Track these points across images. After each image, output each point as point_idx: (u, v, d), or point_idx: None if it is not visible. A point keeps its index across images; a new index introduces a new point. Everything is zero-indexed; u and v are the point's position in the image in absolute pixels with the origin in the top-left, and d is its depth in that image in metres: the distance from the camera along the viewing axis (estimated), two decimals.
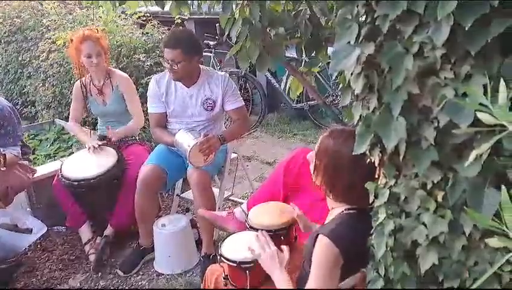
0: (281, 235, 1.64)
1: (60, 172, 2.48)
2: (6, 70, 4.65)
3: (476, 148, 0.74)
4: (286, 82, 4.42)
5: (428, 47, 0.82)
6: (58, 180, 2.48)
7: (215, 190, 2.60)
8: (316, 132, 4.35)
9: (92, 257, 2.50)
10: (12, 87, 4.62)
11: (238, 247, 1.56)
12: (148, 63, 3.36)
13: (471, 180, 0.83)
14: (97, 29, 2.81)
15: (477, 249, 0.89)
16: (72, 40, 2.65)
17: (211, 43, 4.72)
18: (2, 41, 4.64)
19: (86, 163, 2.50)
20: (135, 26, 3.93)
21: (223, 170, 2.68)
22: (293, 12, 1.83)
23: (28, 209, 2.78)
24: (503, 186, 0.69)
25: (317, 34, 1.84)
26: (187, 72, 2.34)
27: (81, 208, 2.55)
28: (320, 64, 2.10)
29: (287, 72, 4.16)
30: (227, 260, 1.51)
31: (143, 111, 2.75)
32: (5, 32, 4.63)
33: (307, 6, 1.78)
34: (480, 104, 0.67)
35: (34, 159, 3.11)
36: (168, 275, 2.39)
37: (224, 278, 1.56)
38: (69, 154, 3.03)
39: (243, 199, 3.03)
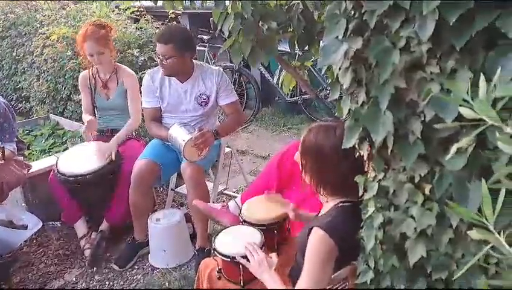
0: (274, 229, 1.65)
1: (56, 167, 2.48)
2: (0, 65, 4.63)
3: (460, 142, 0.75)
4: (279, 76, 4.42)
5: (414, 42, 0.83)
6: (54, 175, 2.48)
7: (209, 184, 2.61)
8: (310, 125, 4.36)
9: (87, 252, 2.51)
10: (7, 82, 4.60)
11: (231, 241, 1.57)
12: (142, 58, 3.35)
13: (457, 174, 0.85)
14: (105, 24, 2.69)
15: (464, 241, 0.91)
16: (78, 34, 2.63)
17: (205, 37, 4.72)
18: None
19: (82, 158, 2.50)
20: (129, 21, 3.91)
21: (217, 164, 2.69)
22: (286, 7, 1.84)
23: (23, 204, 2.78)
24: (483, 180, 0.70)
25: (309, 28, 1.84)
26: (178, 67, 2.33)
27: (77, 203, 2.56)
28: (313, 58, 2.11)
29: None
30: (221, 254, 1.52)
31: None
32: None
33: (300, 1, 1.78)
34: (463, 99, 0.68)
35: (28, 154, 3.10)
36: (162, 269, 2.40)
37: (218, 272, 1.57)
38: (64, 150, 3.03)
39: (237, 192, 3.04)
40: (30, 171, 2.63)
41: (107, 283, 2.36)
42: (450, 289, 0.96)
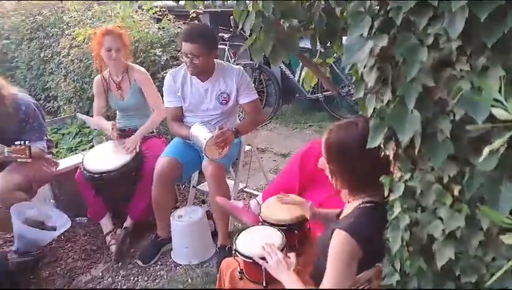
0: (295, 229, 1.64)
1: (82, 165, 2.54)
2: (29, 66, 4.77)
3: (492, 142, 0.72)
4: (300, 73, 4.39)
5: (443, 39, 0.81)
6: (80, 172, 2.55)
7: (230, 182, 2.62)
8: (332, 123, 4.28)
9: (112, 248, 2.57)
10: (36, 83, 4.74)
11: (251, 242, 1.56)
12: (164, 58, 3.38)
13: (488, 175, 0.82)
14: (120, 26, 2.87)
15: (495, 244, 0.88)
16: (95, 33, 2.70)
17: (225, 35, 4.72)
18: (25, 38, 4.75)
19: (106, 156, 2.57)
20: (151, 21, 3.96)
21: (237, 162, 2.70)
22: (307, 3, 1.81)
23: (51, 201, 2.86)
24: None
25: (332, 24, 1.81)
26: (204, 66, 2.35)
27: (102, 200, 2.62)
28: (335, 55, 2.08)
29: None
30: (242, 255, 1.52)
31: None
32: (27, 30, 4.73)
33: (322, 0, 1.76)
34: (495, 99, 0.65)
35: (56, 152, 3.20)
36: (185, 265, 2.44)
37: (239, 273, 1.57)
38: (90, 148, 3.10)
39: (258, 191, 3.05)
40: (58, 168, 2.71)
41: (131, 278, 2.40)
42: None
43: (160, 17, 3.98)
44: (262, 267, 1.47)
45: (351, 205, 1.36)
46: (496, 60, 0.76)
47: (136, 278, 2.40)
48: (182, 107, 2.50)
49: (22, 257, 2.23)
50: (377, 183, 1.12)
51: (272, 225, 1.68)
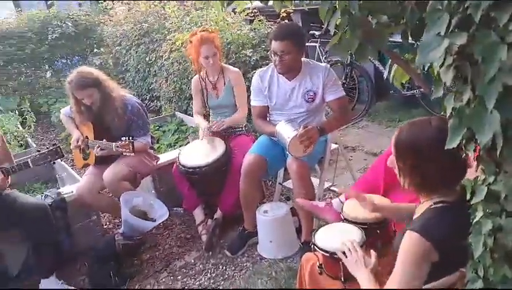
0: (376, 229, 1.62)
1: (178, 160, 2.79)
2: (136, 69, 5.29)
3: None
4: (390, 70, 4.18)
5: None
6: (177, 167, 2.79)
7: (315, 180, 2.65)
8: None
9: (204, 237, 2.77)
10: (142, 84, 5.25)
11: (331, 237, 1.59)
12: (255, 58, 3.51)
13: None
14: (210, 29, 3.04)
15: None
16: (191, 42, 2.92)
17: (317, 33, 4.71)
18: (134, 44, 5.28)
19: (199, 152, 2.77)
20: (244, 22, 4.12)
21: (323, 160, 2.71)
22: None
23: (152, 191, 3.18)
24: None
25: (424, 18, 1.73)
26: (293, 63, 2.40)
27: (195, 192, 2.84)
28: None
29: None
30: (320, 249, 1.55)
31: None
32: (135, 36, 5.25)
33: None
34: None
35: (158, 148, 3.53)
36: (270, 259, 2.53)
37: (318, 267, 1.61)
38: (186, 144, 3.37)
39: None
40: (158, 162, 3.01)
41: (220, 267, 2.57)
42: None
43: (253, 18, 4.13)
44: (341, 263, 1.48)
45: (422, 205, 1.32)
46: None
47: (224, 268, 2.56)
48: (267, 105, 2.59)
49: (127, 239, 2.54)
50: (449, 184, 1.07)
51: (353, 223, 1.69)
